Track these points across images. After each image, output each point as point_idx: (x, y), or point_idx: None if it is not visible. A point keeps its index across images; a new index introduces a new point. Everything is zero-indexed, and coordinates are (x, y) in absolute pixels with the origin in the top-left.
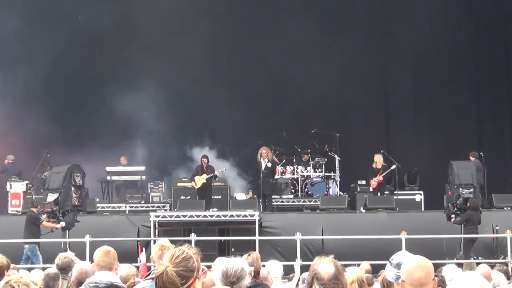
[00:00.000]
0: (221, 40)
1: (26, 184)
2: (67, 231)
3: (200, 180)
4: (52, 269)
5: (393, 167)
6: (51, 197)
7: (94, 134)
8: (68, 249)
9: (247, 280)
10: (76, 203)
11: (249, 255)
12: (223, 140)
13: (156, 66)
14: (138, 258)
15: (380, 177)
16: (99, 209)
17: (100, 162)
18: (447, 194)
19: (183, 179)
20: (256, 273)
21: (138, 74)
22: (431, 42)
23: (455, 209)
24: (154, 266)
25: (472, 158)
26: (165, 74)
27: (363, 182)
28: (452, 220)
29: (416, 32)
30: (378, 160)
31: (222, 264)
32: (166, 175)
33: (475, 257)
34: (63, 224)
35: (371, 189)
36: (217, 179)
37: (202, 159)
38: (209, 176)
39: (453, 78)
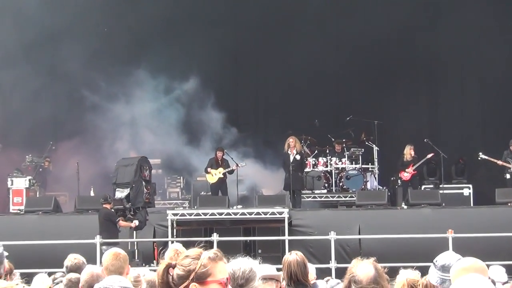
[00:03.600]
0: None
1: (29, 180)
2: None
3: (216, 174)
4: (74, 274)
5: (429, 156)
6: (121, 193)
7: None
8: (136, 249)
9: (257, 282)
10: (147, 200)
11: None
12: (246, 128)
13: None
14: (154, 261)
15: (412, 169)
16: None
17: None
18: None
19: (203, 173)
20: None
21: None
22: (483, 20)
23: None
24: None
25: None
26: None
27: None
28: None
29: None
30: (407, 151)
31: (230, 266)
32: (185, 168)
33: None
34: (136, 222)
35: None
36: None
37: (217, 151)
38: (226, 170)
39: (506, 59)
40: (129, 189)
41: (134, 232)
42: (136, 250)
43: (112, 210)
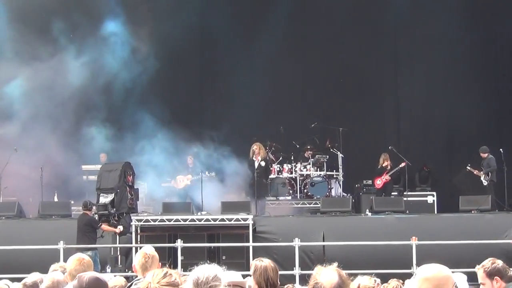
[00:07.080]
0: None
1: None
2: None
3: (183, 180)
4: (29, 278)
5: (402, 164)
6: (105, 198)
7: None
8: (119, 254)
9: None
10: (131, 205)
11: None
12: (210, 135)
13: None
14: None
15: (386, 176)
16: (74, 212)
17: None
18: None
19: (168, 179)
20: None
21: None
22: (447, 34)
23: None
24: (137, 277)
25: (484, 155)
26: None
27: (369, 182)
28: None
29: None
30: (385, 158)
31: (194, 272)
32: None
33: None
34: (121, 228)
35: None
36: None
37: (188, 157)
38: (194, 178)
39: (470, 67)
40: (113, 194)
41: (118, 237)
42: (119, 256)
43: (95, 216)
